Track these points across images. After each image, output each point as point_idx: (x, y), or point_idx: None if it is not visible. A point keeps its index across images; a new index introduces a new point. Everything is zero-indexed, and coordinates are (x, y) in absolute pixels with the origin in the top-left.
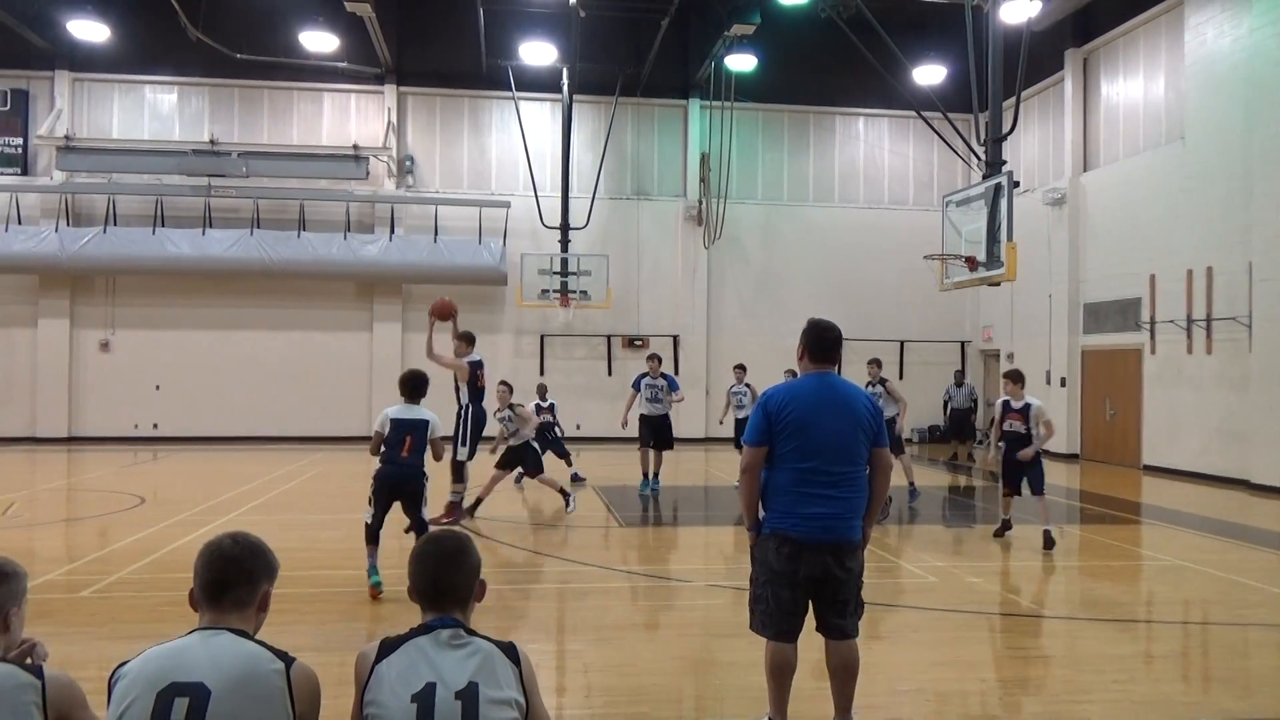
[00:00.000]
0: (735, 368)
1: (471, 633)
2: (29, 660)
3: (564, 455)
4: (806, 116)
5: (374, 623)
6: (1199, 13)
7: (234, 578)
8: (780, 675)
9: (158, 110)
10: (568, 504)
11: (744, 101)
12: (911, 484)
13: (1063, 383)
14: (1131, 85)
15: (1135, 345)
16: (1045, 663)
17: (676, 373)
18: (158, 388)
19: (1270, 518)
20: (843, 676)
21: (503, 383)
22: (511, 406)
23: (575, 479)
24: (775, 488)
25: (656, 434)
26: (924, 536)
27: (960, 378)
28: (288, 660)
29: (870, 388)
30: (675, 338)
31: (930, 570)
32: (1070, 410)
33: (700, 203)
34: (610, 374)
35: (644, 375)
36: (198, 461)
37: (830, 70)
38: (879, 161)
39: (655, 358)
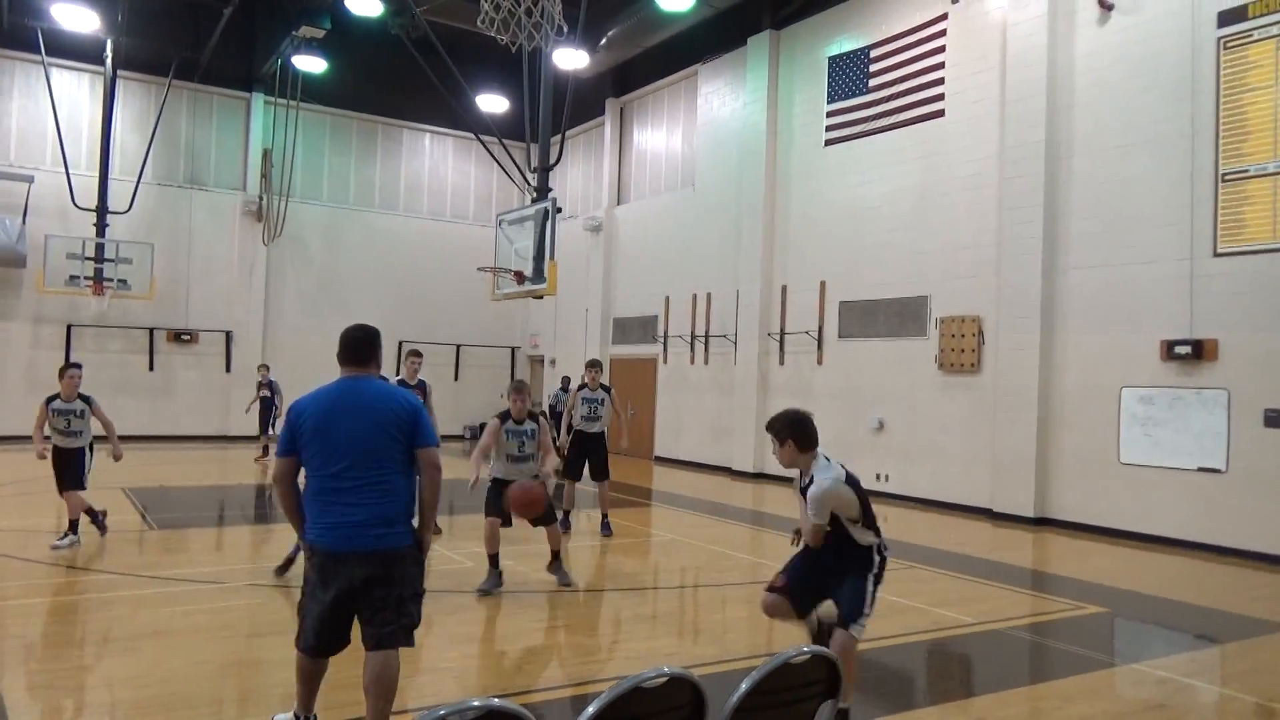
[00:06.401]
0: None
1: None
2: None
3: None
4: (375, 126)
5: None
6: (708, 84)
7: None
8: (308, 680)
9: None
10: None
11: (311, 103)
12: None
13: None
14: (657, 136)
15: (652, 355)
16: (564, 631)
17: (229, 369)
18: None
19: (744, 497)
20: (375, 691)
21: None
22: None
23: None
24: (307, 497)
25: (591, 455)
26: (467, 525)
27: (566, 382)
28: None
29: (582, 391)
30: (229, 333)
31: (469, 556)
32: None
33: (261, 198)
34: (152, 369)
35: (581, 386)
36: None
37: (401, 85)
38: (443, 177)
39: (595, 364)
